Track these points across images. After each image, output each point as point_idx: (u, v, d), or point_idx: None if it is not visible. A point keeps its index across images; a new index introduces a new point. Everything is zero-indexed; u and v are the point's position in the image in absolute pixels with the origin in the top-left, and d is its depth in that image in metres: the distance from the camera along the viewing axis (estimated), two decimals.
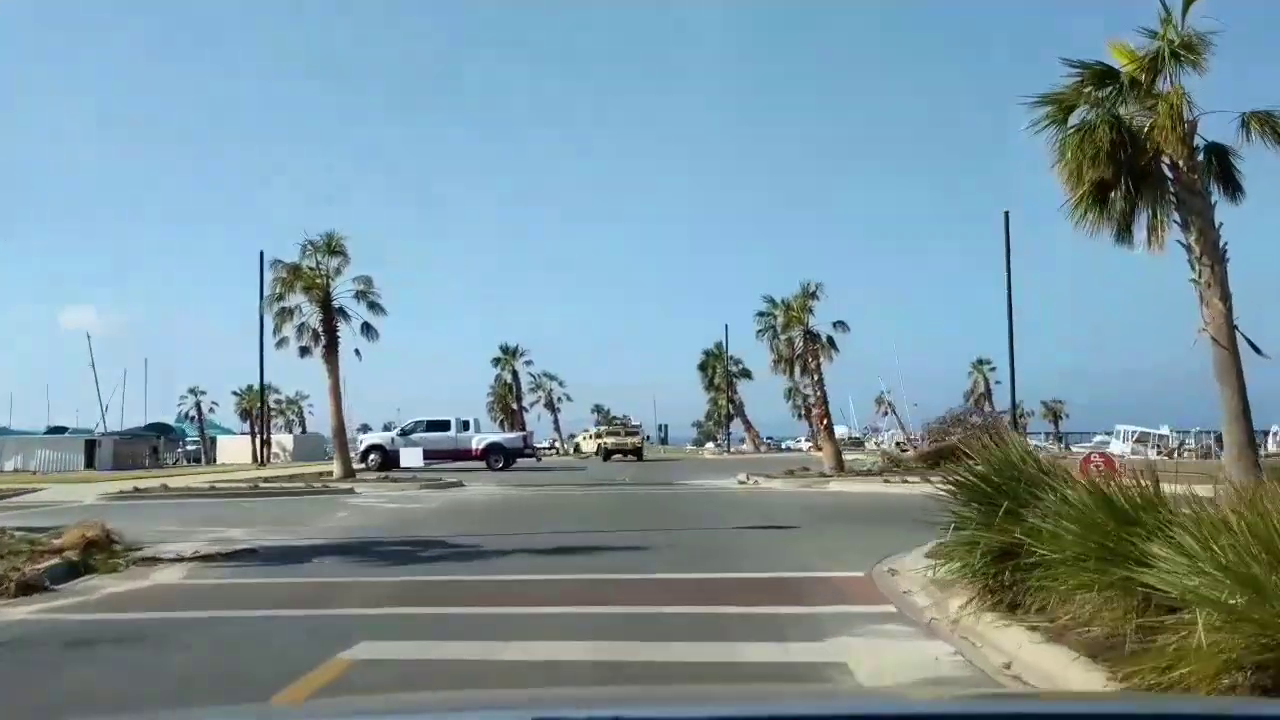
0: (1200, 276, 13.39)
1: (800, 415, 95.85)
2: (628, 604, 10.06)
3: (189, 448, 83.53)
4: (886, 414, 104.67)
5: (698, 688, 5.97)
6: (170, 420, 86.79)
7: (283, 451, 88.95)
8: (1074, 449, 74.25)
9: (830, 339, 35.13)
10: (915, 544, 14.69)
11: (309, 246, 34.61)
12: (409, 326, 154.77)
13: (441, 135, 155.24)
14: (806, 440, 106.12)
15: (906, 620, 9.56)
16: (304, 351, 35.00)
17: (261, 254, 38.15)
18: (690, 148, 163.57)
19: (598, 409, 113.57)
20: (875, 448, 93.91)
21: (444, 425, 50.51)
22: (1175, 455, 72.02)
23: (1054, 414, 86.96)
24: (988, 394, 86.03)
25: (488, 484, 34.24)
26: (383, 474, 36.68)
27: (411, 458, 43.97)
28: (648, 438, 66.50)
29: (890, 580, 11.98)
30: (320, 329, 34.77)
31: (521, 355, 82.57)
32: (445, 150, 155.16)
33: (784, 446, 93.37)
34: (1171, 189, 13.57)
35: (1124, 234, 13.90)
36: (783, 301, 35.26)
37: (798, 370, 35.24)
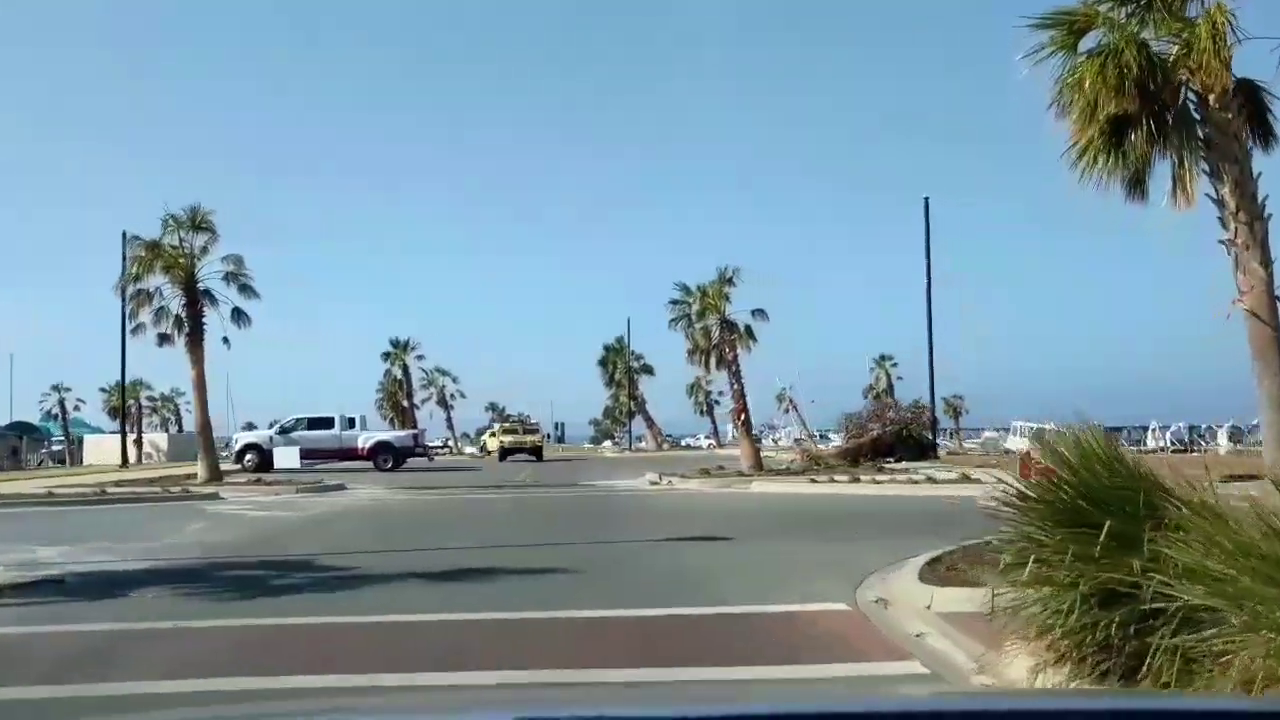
0: (1236, 237, 11.21)
1: (702, 412, 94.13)
2: (554, 662, 7.22)
3: (54, 448, 77.79)
4: (788, 411, 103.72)
5: (683, 687, 5.47)
6: (36, 419, 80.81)
7: (156, 452, 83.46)
8: (966, 445, 74.16)
9: (749, 328, 32.78)
10: (889, 559, 12.22)
11: (171, 221, 30.73)
12: (299, 321, 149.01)
13: (328, 121, 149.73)
14: (706, 437, 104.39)
15: (947, 686, 6.93)
16: (163, 339, 31.05)
17: (124, 234, 34.00)
18: (590, 133, 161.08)
19: (492, 407, 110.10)
20: (773, 445, 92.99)
21: (327, 423, 46.75)
22: None
23: (954, 410, 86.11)
24: (890, 390, 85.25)
25: (374, 487, 30.93)
26: (256, 477, 32.97)
27: (286, 458, 40.09)
28: (546, 436, 62.69)
29: (887, 615, 9.39)
30: (183, 314, 30.92)
31: (413, 349, 78.71)
32: (333, 139, 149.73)
33: (683, 444, 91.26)
34: (1200, 132, 11.34)
35: (1137, 187, 11.66)
36: (699, 288, 32.74)
37: (713, 361, 32.74)
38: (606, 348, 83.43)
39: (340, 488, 29.78)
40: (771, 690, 4.69)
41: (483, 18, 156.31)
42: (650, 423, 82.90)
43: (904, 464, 35.37)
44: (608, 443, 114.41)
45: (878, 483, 25.89)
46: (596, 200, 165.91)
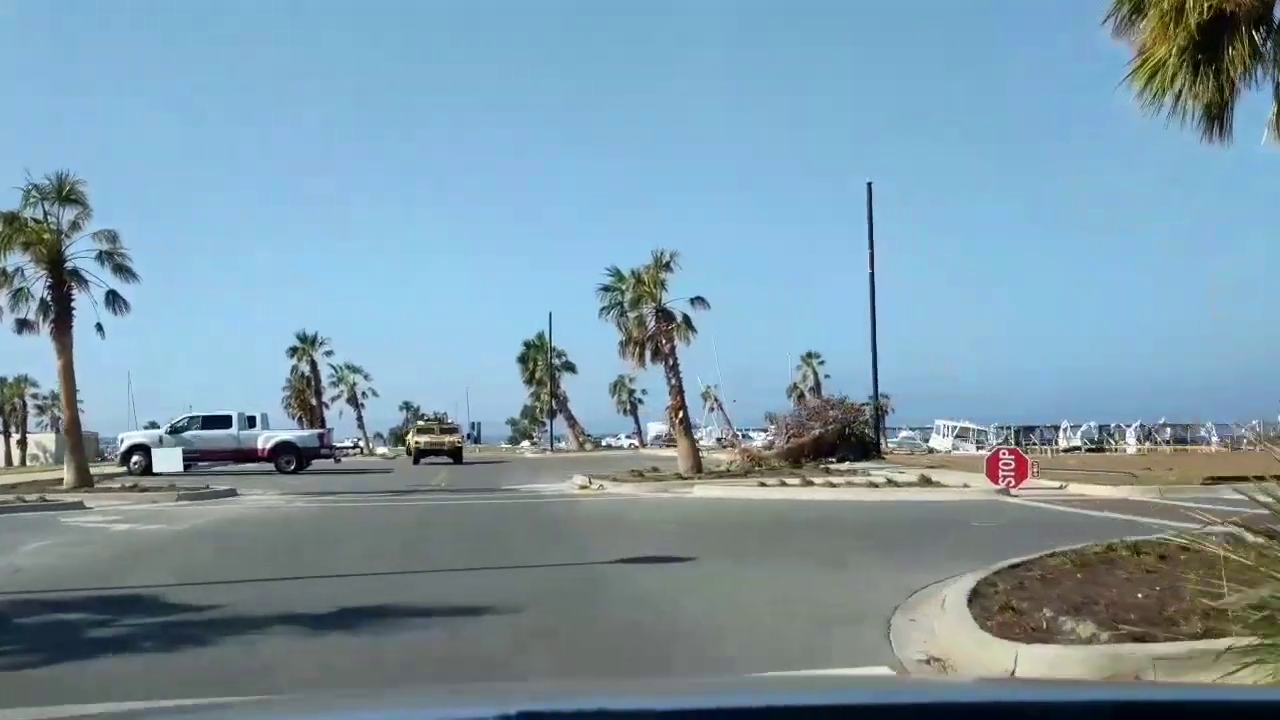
0: None
1: (625, 411, 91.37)
2: None
3: None
4: (713, 410, 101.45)
5: (688, 682, 5.16)
6: None
7: (44, 453, 78.41)
8: (891, 444, 72.72)
9: (687, 318, 30.13)
10: (903, 588, 9.63)
11: (33, 192, 26.95)
12: (207, 316, 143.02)
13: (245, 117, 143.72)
14: (628, 437, 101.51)
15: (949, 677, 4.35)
16: (23, 326, 27.20)
17: None
18: (516, 122, 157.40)
19: (407, 405, 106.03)
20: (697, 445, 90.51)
21: (223, 421, 42.95)
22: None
23: (879, 409, 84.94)
24: (817, 388, 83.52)
25: (270, 492, 27.58)
26: (134, 482, 29.28)
27: (166, 461, 36.19)
28: (466, 436, 58.83)
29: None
30: (48, 297, 27.16)
31: (321, 345, 74.48)
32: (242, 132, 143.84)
33: (603, 444, 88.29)
34: None
35: (1220, 119, 9.15)
36: (633, 273, 29.97)
37: (648, 354, 30.01)
38: (527, 344, 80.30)
39: (231, 494, 26.38)
40: (778, 683, 4.30)
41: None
42: (572, 422, 79.86)
43: (848, 464, 33.11)
44: (526, 443, 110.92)
45: (832, 486, 23.42)
46: (520, 196, 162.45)
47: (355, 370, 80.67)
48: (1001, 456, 23.31)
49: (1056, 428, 76.06)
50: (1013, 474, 22.81)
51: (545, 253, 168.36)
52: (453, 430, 54.06)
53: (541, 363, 78.36)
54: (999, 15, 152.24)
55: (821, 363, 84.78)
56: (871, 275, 37.11)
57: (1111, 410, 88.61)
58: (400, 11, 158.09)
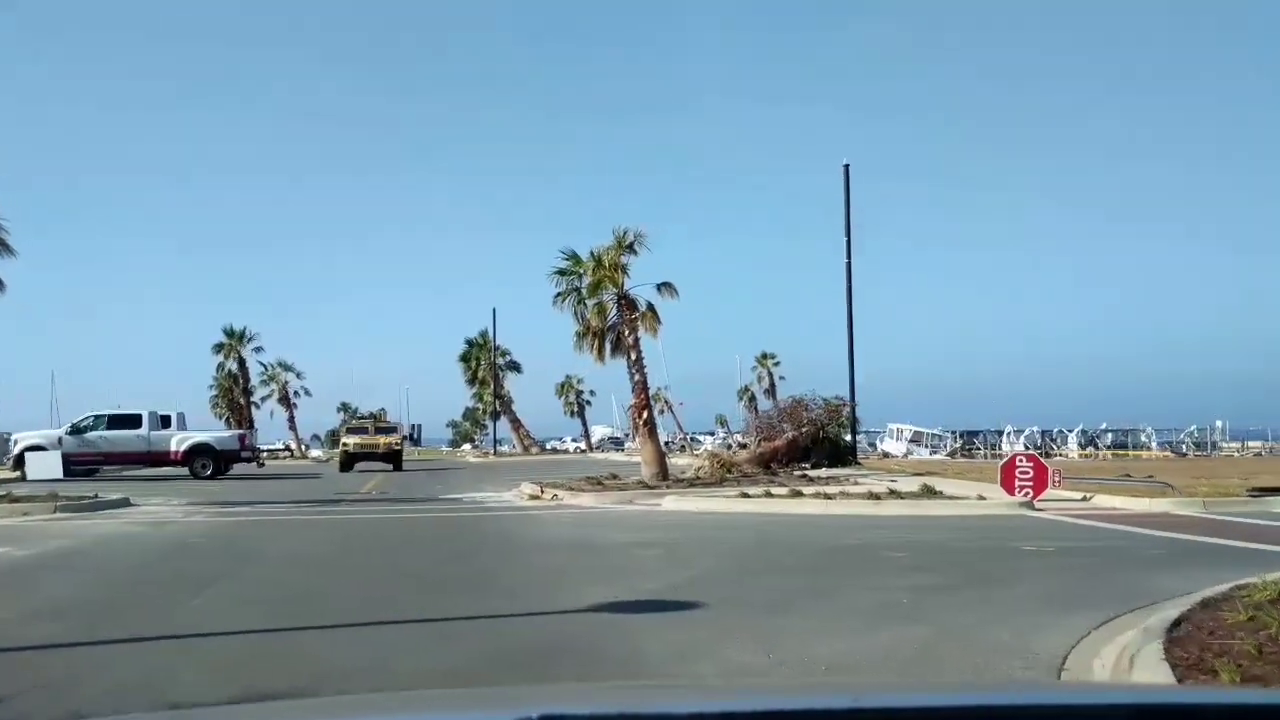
0: None
1: (573, 413, 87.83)
2: None
3: None
4: (663, 412, 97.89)
5: (705, 683, 5.34)
6: None
7: None
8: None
9: (651, 306, 26.75)
10: (1029, 648, 6.44)
11: None
12: (149, 315, 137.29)
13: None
14: (574, 440, 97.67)
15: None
16: None
17: None
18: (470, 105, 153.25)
19: (345, 407, 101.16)
20: (640, 447, 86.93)
21: (132, 421, 38.76)
22: (958, 455, 69.45)
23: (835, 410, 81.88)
24: (772, 390, 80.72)
25: (172, 501, 23.84)
26: (6, 491, 25.17)
27: (43, 467, 31.95)
28: (406, 437, 53.72)
29: None
30: None
31: (250, 340, 69.81)
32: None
33: (549, 447, 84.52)
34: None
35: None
36: (592, 255, 26.49)
37: (608, 346, 26.59)
38: (469, 342, 76.37)
39: (122, 504, 22.56)
40: (797, 688, 3.62)
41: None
42: (517, 424, 75.92)
43: (826, 471, 30.03)
44: (467, 446, 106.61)
45: (826, 498, 20.16)
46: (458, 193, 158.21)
47: (287, 368, 76.04)
48: (1018, 464, 20.28)
49: (1000, 433, 74.60)
50: (1031, 484, 19.81)
51: (490, 244, 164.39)
52: (390, 430, 47.55)
53: (485, 362, 74.43)
54: None
55: (777, 363, 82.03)
56: (849, 265, 34.11)
57: (1052, 415, 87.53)
58: None
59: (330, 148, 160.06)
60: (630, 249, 26.27)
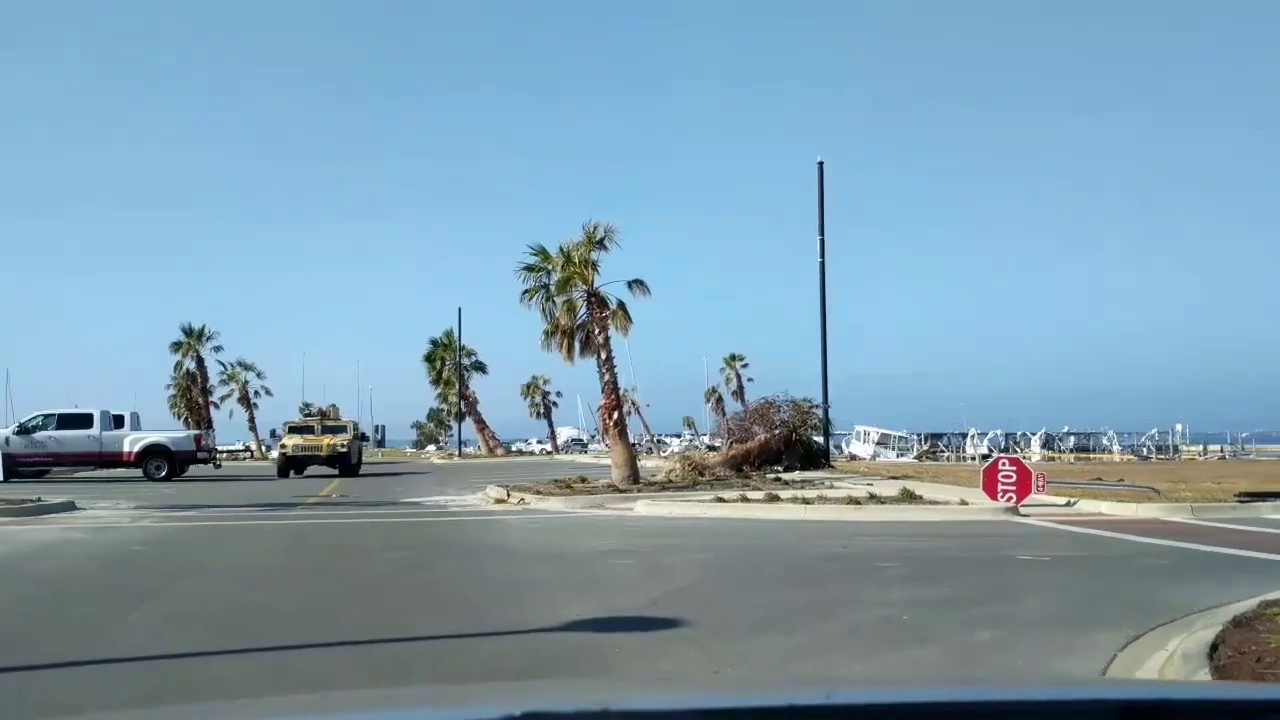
0: None
1: (539, 414, 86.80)
2: None
3: None
4: (630, 414, 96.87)
5: (688, 683, 5.22)
6: None
7: None
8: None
9: (623, 305, 25.91)
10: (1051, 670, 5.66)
11: None
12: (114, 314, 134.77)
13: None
14: (539, 442, 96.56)
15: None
16: None
17: None
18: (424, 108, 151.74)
19: (306, 406, 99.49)
20: (606, 449, 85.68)
21: (83, 420, 37.45)
22: (925, 458, 69.21)
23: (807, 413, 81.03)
24: (740, 392, 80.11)
25: (121, 504, 22.82)
26: None
27: None
28: (365, 439, 50.88)
29: None
30: None
31: (209, 339, 68.21)
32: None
33: (513, 449, 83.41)
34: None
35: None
36: (561, 250, 25.61)
37: (577, 346, 25.73)
38: (434, 341, 75.11)
39: (65, 508, 21.45)
40: (782, 684, 3.68)
41: None
42: (482, 425, 74.74)
43: (799, 474, 29.34)
44: (432, 447, 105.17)
45: (805, 502, 19.38)
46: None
47: (247, 367, 74.41)
48: (1001, 467, 19.62)
49: (964, 435, 74.51)
50: (1014, 488, 19.16)
51: (456, 244, 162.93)
52: (338, 429, 40.61)
53: (450, 362, 73.30)
54: None
55: (745, 365, 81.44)
56: (822, 264, 33.42)
57: (1004, 418, 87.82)
58: None
59: (291, 144, 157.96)
60: (600, 245, 25.43)
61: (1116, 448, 74.77)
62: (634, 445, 69.32)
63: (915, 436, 75.34)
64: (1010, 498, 19.13)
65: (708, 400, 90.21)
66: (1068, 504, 20.03)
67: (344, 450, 38.30)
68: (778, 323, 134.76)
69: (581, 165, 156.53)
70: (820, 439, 33.62)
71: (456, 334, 71.38)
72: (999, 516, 17.88)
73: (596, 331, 25.26)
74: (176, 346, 68.05)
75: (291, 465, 38.03)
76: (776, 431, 31.60)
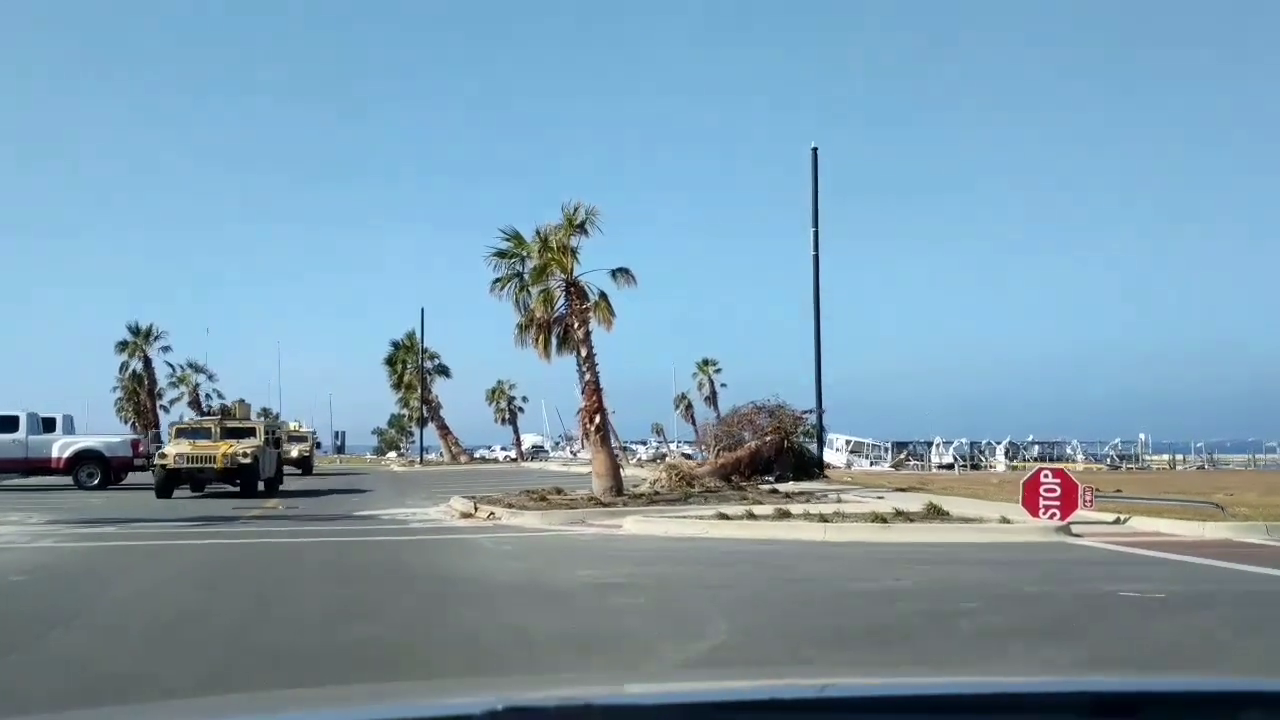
0: None
1: (504, 420, 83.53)
2: None
3: None
4: None
5: (675, 675, 5.08)
6: None
7: None
8: None
9: (604, 295, 23.21)
10: None
11: None
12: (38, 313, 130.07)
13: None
14: (503, 449, 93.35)
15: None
16: None
17: None
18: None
19: (266, 412, 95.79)
20: (571, 457, 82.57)
21: (8, 424, 34.28)
22: (899, 467, 67.06)
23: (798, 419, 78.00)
24: (713, 397, 77.58)
25: (31, 518, 19.97)
26: None
27: None
28: (318, 445, 46.98)
29: None
30: None
31: (156, 339, 64.58)
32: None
33: (476, 455, 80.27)
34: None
35: None
36: (538, 234, 22.88)
37: (554, 340, 23.03)
38: (395, 344, 71.82)
39: None
40: (762, 674, 3.72)
41: None
42: (445, 431, 71.51)
43: (794, 485, 26.82)
44: (393, 454, 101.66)
45: (822, 519, 16.72)
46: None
47: (198, 369, 70.61)
48: (1042, 479, 17.14)
49: (929, 444, 72.76)
50: (1058, 503, 16.74)
51: (418, 241, 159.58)
52: (244, 433, 28.59)
53: (411, 365, 70.09)
54: None
55: (718, 370, 78.82)
56: (816, 258, 30.94)
57: (978, 427, 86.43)
58: None
59: (250, 146, 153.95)
60: (581, 229, 22.75)
61: (1079, 457, 73.81)
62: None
63: (889, 445, 73.29)
64: (1053, 514, 16.69)
65: (677, 406, 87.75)
66: (1117, 521, 17.60)
67: (246, 461, 26.99)
68: (750, 326, 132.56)
69: (544, 164, 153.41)
70: (813, 447, 31.06)
71: (419, 336, 68.31)
72: (1051, 538, 15.39)
73: (576, 325, 22.57)
74: (122, 346, 64.41)
75: (174, 482, 26.85)
76: (768, 438, 29.02)
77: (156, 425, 63.73)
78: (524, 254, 22.96)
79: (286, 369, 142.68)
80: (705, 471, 26.50)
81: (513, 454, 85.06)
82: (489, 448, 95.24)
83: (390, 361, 71.91)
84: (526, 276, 22.97)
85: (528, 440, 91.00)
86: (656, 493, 23.00)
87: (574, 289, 22.81)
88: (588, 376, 22.55)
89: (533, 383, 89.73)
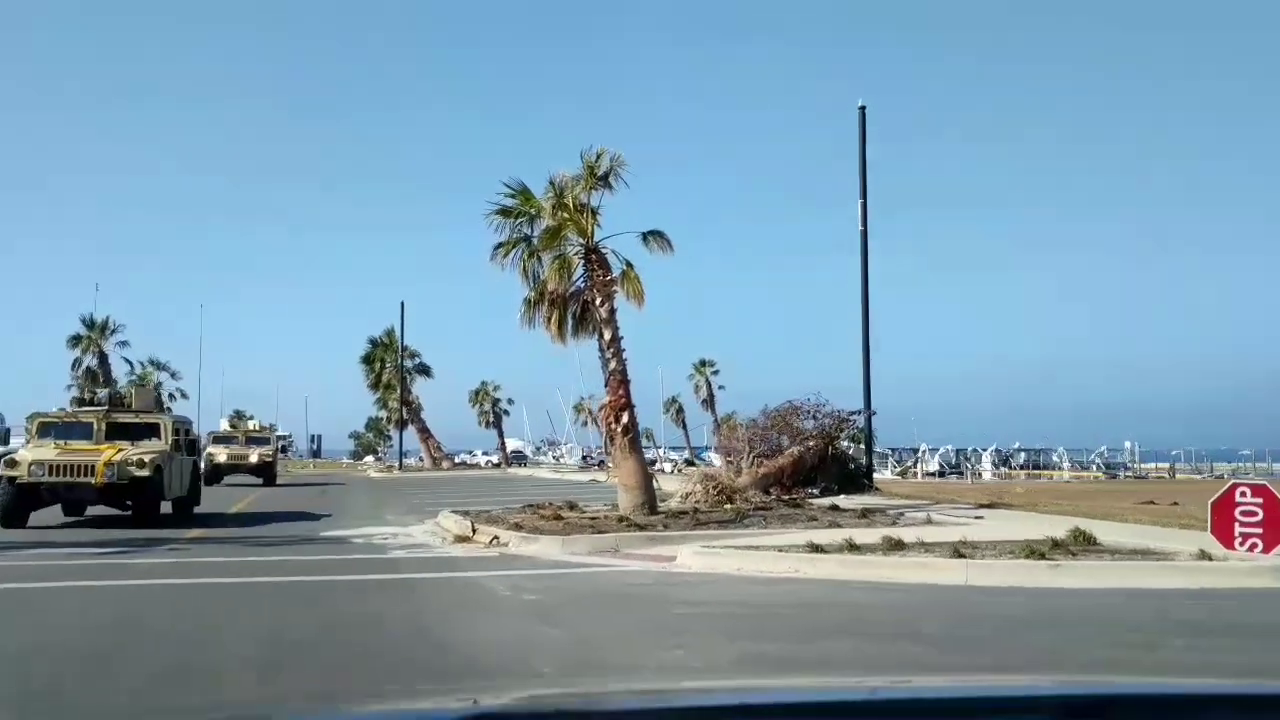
0: None
1: (488, 423, 78.60)
2: None
3: None
4: (586, 424, 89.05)
5: (647, 685, 4.35)
6: None
7: None
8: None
9: (631, 266, 18.70)
10: None
11: None
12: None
13: None
14: (485, 454, 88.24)
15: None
16: None
17: None
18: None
19: (239, 415, 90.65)
20: (555, 463, 77.81)
21: None
22: (907, 474, 62.93)
23: (731, 428, 72.93)
24: (711, 401, 73.26)
25: None
26: None
27: None
28: (285, 449, 41.76)
29: None
30: None
31: (113, 332, 59.58)
32: None
33: (458, 460, 75.32)
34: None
35: None
36: (552, 186, 18.27)
37: (570, 320, 18.52)
38: (373, 341, 66.76)
39: None
40: (728, 688, 3.13)
41: None
42: (426, 434, 66.55)
43: (847, 498, 22.46)
44: (369, 458, 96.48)
45: (957, 553, 12.25)
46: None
47: (160, 366, 65.77)
48: (1238, 499, 12.83)
49: (915, 450, 68.76)
50: (1260, 531, 12.46)
51: (397, 233, 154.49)
52: (140, 431, 19.77)
53: (391, 364, 65.18)
54: None
55: (716, 372, 74.38)
56: (864, 233, 26.56)
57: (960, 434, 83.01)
58: None
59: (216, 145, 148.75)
60: (604, 181, 18.23)
61: (1066, 465, 71.16)
62: (600, 461, 61.87)
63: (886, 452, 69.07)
64: (1254, 545, 12.39)
65: (666, 410, 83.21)
66: None
67: (142, 473, 18.38)
68: (745, 328, 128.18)
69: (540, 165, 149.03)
70: (852, 452, 26.66)
71: (399, 332, 63.38)
72: (1270, 582, 11.07)
73: (598, 301, 18.04)
74: (75, 341, 59.33)
75: (29, 503, 18.25)
76: (810, 444, 24.51)
77: None
78: (533, 212, 18.40)
79: (264, 372, 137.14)
80: (746, 483, 22.00)
81: (495, 459, 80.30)
82: (470, 452, 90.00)
83: (368, 360, 66.90)
84: (536, 240, 18.44)
85: (511, 445, 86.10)
86: (696, 509, 18.52)
87: (595, 257, 18.30)
88: (613, 364, 18.00)
89: (515, 386, 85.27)
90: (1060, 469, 69.59)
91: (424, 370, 66.67)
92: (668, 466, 59.68)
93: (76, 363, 59.99)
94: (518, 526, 16.11)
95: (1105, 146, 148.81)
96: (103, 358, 59.98)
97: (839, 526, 15.85)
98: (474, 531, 16.13)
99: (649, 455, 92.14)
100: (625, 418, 17.84)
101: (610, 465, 27.48)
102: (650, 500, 17.66)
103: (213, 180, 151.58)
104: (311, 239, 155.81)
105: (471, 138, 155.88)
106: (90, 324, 59.29)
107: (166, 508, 19.74)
